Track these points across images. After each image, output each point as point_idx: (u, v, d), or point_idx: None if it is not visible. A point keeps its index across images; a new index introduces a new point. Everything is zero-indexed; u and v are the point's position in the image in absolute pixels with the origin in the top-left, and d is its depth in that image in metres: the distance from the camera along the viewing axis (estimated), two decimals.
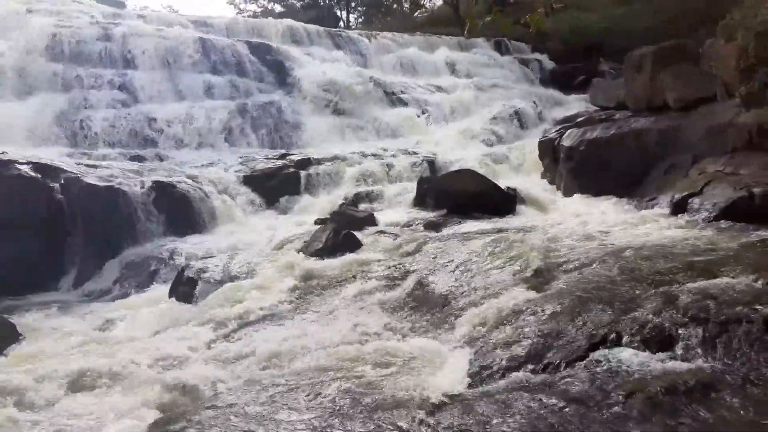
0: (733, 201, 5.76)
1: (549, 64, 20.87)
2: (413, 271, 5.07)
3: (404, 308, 4.34)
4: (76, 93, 11.43)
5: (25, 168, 7.37)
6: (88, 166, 8.61)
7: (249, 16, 33.72)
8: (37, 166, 7.53)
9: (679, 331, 3.06)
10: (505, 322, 3.54)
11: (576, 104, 15.61)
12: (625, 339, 3.15)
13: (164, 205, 8.06)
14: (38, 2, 14.50)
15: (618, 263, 4.13)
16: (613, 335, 3.19)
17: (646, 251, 4.43)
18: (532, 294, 3.87)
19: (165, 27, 13.82)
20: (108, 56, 12.35)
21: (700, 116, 7.89)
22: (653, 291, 3.62)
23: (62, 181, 7.60)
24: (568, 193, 8.70)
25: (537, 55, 21.58)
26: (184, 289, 5.31)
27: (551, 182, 9.51)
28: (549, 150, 9.66)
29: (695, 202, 6.25)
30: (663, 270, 3.93)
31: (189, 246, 7.08)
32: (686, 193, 6.52)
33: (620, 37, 18.22)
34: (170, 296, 5.47)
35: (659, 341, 3.10)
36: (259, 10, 38.58)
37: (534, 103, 15.30)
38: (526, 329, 3.35)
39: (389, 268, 5.30)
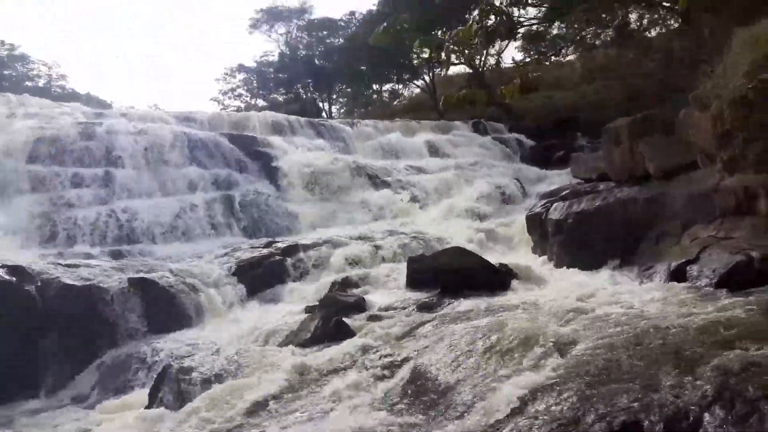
0: (733, 266, 5.62)
1: (528, 142, 21.42)
2: (409, 359, 4.78)
3: (402, 402, 4.01)
4: (57, 193, 11.33)
5: None
6: (67, 266, 8.31)
7: (233, 111, 34.71)
8: (11, 270, 7.24)
9: (704, 414, 2.80)
10: (515, 413, 3.24)
11: (557, 178, 15.84)
12: (646, 425, 2.88)
13: (146, 303, 7.74)
14: (22, 106, 14.75)
15: (626, 339, 3.91)
16: (632, 421, 2.91)
17: (653, 325, 4.21)
18: (541, 379, 3.59)
19: (147, 123, 13.99)
20: (90, 155, 12.38)
21: (683, 183, 7.92)
22: (670, 369, 3.37)
23: (38, 284, 7.30)
24: (561, 267, 8.55)
25: (514, 134, 22.19)
26: (165, 393, 4.94)
27: (542, 255, 9.40)
28: (537, 224, 9.62)
29: (694, 269, 6.11)
30: (676, 345, 3.70)
31: (171, 344, 6.71)
32: (683, 260, 6.39)
33: (592, 113, 18.89)
34: (150, 401, 5.09)
35: (682, 426, 2.83)
36: (242, 105, 39.77)
37: (516, 179, 15.48)
38: (538, 421, 3.06)
39: (383, 356, 5.00)
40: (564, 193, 9.79)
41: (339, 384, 4.47)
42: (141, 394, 5.66)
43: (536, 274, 7.96)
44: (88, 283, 7.59)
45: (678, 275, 6.29)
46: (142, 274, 8.22)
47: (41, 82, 37.03)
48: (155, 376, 5.56)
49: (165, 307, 7.82)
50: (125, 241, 10.79)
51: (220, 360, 5.25)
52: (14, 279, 7.11)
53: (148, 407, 5.06)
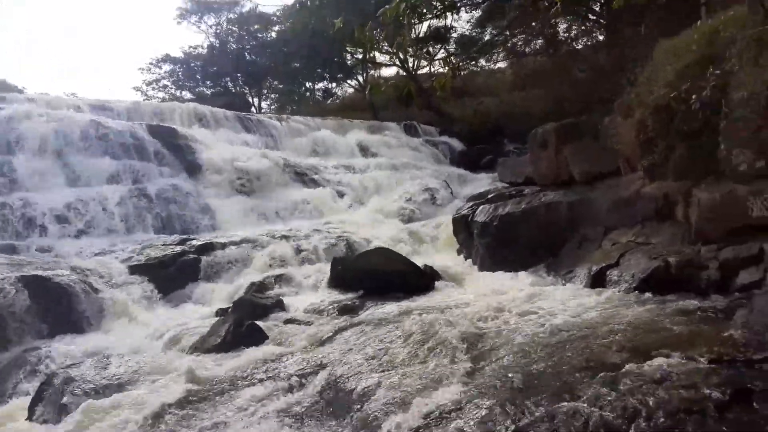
0: (651, 271, 5.64)
1: (458, 146, 21.59)
2: (325, 366, 4.45)
3: (313, 415, 3.69)
4: None
5: None
6: None
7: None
8: None
9: (630, 428, 2.64)
10: (433, 425, 2.98)
11: (484, 182, 15.99)
12: None
13: (40, 303, 7.00)
14: None
15: (546, 345, 3.76)
16: None
17: (572, 330, 4.10)
18: (460, 387, 3.36)
19: (56, 110, 12.94)
20: None
21: (606, 189, 8.01)
22: (589, 377, 3.23)
23: None
24: (484, 269, 8.47)
25: (445, 138, 22.33)
26: (47, 404, 4.37)
27: (467, 258, 9.30)
28: (463, 226, 9.52)
29: (613, 273, 6.11)
30: (595, 351, 3.57)
31: (64, 349, 6.05)
32: (603, 264, 6.40)
33: (519, 120, 19.24)
34: (29, 413, 4.50)
35: None
36: (167, 97, 38.06)
37: (445, 181, 15.48)
38: None
39: (297, 363, 4.65)
40: (490, 196, 9.75)
41: (245, 395, 4.08)
42: (25, 404, 5.02)
43: (460, 276, 7.85)
44: None
45: (598, 279, 6.28)
46: (36, 272, 7.46)
47: None
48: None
49: (61, 309, 7.11)
50: (23, 236, 9.85)
51: (113, 368, 4.73)
52: None
53: (28, 419, 4.47)
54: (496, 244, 8.45)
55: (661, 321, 4.21)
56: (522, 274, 7.56)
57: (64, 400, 4.20)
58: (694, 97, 6.03)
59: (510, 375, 3.44)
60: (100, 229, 10.53)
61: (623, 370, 3.24)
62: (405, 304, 6.28)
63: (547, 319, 4.53)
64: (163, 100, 36.11)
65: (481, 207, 9.14)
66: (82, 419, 3.84)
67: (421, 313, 5.28)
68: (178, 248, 9.14)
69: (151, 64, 38.21)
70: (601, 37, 20.71)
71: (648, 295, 5.33)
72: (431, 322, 4.72)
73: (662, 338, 3.75)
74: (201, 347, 5.58)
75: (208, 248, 9.28)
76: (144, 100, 34.90)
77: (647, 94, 7.21)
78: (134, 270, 8.38)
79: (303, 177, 14.50)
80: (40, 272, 7.47)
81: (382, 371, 3.98)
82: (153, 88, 38.81)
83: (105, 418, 3.82)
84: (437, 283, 7.41)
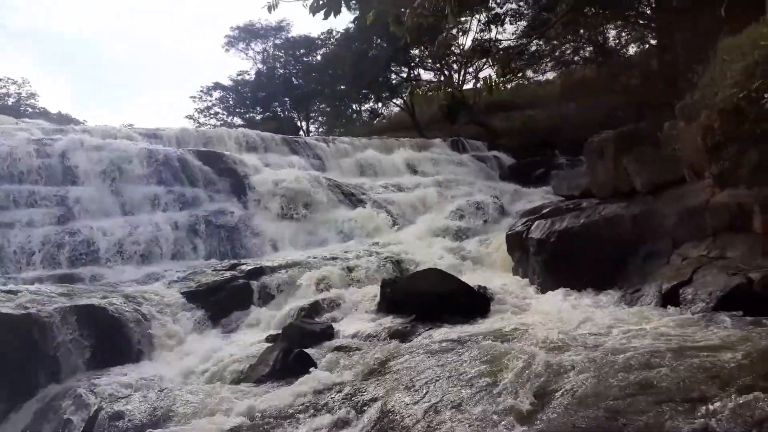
0: (731, 289, 5.15)
1: (507, 160, 21.12)
2: (376, 399, 4.17)
3: None
4: (7, 213, 10.55)
5: None
6: (8, 292, 7.57)
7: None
8: None
9: None
10: None
11: (538, 196, 15.51)
12: None
13: (91, 333, 6.99)
14: None
15: (620, 376, 3.36)
16: None
17: (651, 358, 3.68)
18: (525, 428, 3.02)
19: (110, 140, 13.30)
20: (46, 172, 11.62)
21: (671, 199, 7.49)
22: (675, 414, 2.83)
23: None
24: (543, 289, 8.02)
25: (494, 152, 21.88)
26: None
27: (523, 277, 8.88)
28: (518, 243, 9.11)
29: (687, 291, 5.62)
30: (682, 382, 3.17)
31: (114, 381, 5.98)
32: (675, 282, 5.91)
33: (570, 131, 18.66)
34: None
35: None
36: (218, 123, 39.05)
37: (496, 197, 15.05)
38: None
39: (347, 395, 4.39)
40: (546, 210, 9.31)
41: (293, 431, 3.84)
42: None
43: (517, 298, 7.45)
44: (26, 311, 6.84)
45: (670, 298, 5.80)
46: (89, 301, 7.49)
47: (10, 101, 36.02)
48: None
49: (112, 338, 7.09)
50: (79, 264, 10.04)
51: (161, 401, 4.59)
52: None
53: None
54: (553, 261, 8.01)
55: (753, 347, 3.75)
56: (584, 293, 7.12)
57: None
58: (766, 95, 5.54)
59: (584, 409, 3.08)
60: (152, 255, 10.64)
61: (715, 405, 2.84)
62: (459, 329, 5.95)
63: (619, 344, 4.12)
64: (215, 126, 37.09)
65: (536, 223, 8.72)
66: None
67: (477, 341, 4.95)
68: (228, 273, 9.09)
69: (201, 92, 39.43)
70: (653, 42, 19.99)
71: (729, 314, 4.84)
72: (489, 351, 4.39)
73: (757, 367, 3.30)
74: (250, 377, 5.41)
75: (257, 273, 9.19)
76: (197, 127, 35.96)
77: (712, 95, 6.71)
78: (185, 297, 8.33)
79: (350, 197, 14.38)
80: (92, 302, 7.50)
81: (436, 408, 3.67)
82: (205, 116, 39.99)
83: None
84: (492, 306, 7.04)
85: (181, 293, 8.40)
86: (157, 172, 12.53)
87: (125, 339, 7.14)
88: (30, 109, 35.94)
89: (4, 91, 35.96)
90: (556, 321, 5.55)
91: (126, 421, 4.24)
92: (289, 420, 4.09)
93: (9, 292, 7.61)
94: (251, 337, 7.41)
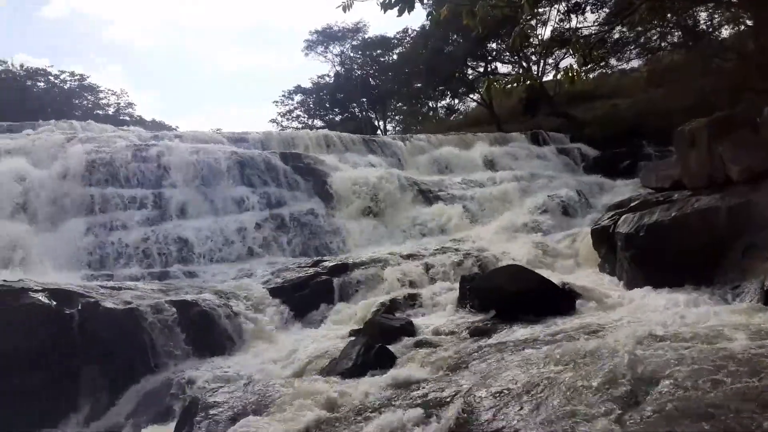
0: None
1: (591, 152, 20.36)
2: (458, 396, 4.16)
3: None
4: (109, 215, 11.40)
5: (39, 296, 6.94)
6: (111, 288, 8.16)
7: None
8: (53, 293, 7.10)
9: None
10: None
11: (625, 189, 14.89)
12: None
13: (186, 326, 7.42)
14: (83, 132, 15.11)
15: (726, 379, 3.15)
16: None
17: (758, 360, 3.44)
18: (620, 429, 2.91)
19: (200, 144, 14.02)
20: (143, 176, 12.45)
21: None
22: None
23: (79, 307, 7.11)
24: (632, 286, 7.67)
25: (577, 144, 21.16)
26: (191, 429, 4.53)
27: (611, 274, 8.53)
28: (604, 239, 8.76)
29: None
30: None
31: (207, 373, 6.32)
32: None
33: (658, 120, 17.71)
34: None
35: None
36: (300, 126, 40.20)
37: (579, 191, 14.56)
38: None
39: (428, 391, 4.42)
40: (634, 204, 8.89)
41: (375, 425, 3.90)
42: (171, 429, 5.27)
43: (604, 295, 7.16)
44: (128, 306, 7.36)
45: None
46: (184, 297, 7.95)
47: (111, 110, 38.75)
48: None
49: (206, 331, 7.49)
50: (174, 262, 10.69)
51: (250, 393, 4.81)
52: (54, 303, 6.95)
53: None
54: (642, 257, 7.65)
55: None
56: (675, 290, 6.75)
57: (205, 427, 4.33)
58: None
59: (680, 420, 2.92)
60: (240, 253, 11.16)
61: None
62: (542, 327, 5.82)
63: (718, 345, 3.88)
64: (297, 129, 38.22)
65: (623, 217, 8.36)
66: None
67: (562, 339, 4.82)
68: (311, 270, 9.37)
69: (283, 96, 40.76)
70: (748, 22, 18.60)
71: None
72: (575, 350, 4.26)
73: None
74: (333, 370, 5.55)
75: (339, 269, 9.42)
76: (280, 130, 37.20)
77: None
78: (272, 293, 8.68)
79: (428, 194, 14.40)
80: (187, 297, 7.95)
81: (521, 407, 3.61)
82: (287, 119, 41.32)
83: None
84: (578, 304, 6.81)
85: (268, 289, 8.75)
86: (244, 174, 13.12)
87: (217, 332, 7.52)
88: (128, 118, 38.57)
89: (105, 101, 38.78)
90: (647, 319, 5.30)
91: (219, 410, 4.48)
92: (370, 414, 4.16)
93: (112, 288, 8.20)
94: (333, 331, 7.60)
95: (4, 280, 7.24)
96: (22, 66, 34.74)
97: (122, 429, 6.19)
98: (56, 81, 35.79)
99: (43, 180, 11.56)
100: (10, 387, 6.20)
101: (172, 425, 5.50)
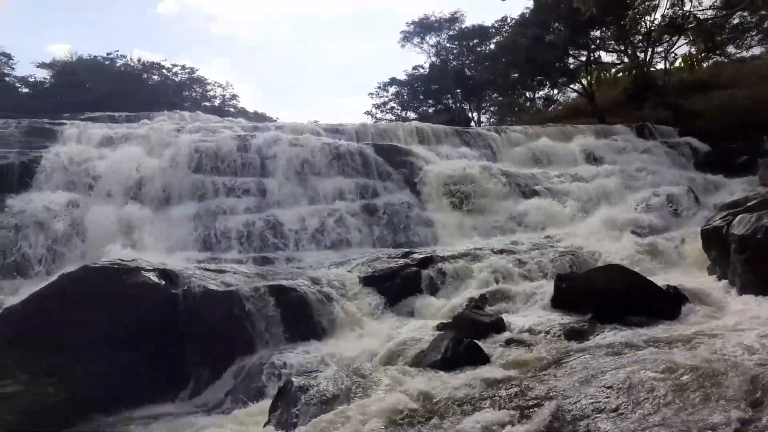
0: None
1: (702, 147, 18.95)
2: (551, 398, 4.03)
3: None
4: (214, 201, 12.05)
5: (150, 275, 7.45)
6: (215, 271, 8.61)
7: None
8: (162, 273, 7.61)
9: None
10: None
11: (739, 186, 13.77)
12: None
13: (282, 310, 7.70)
14: (192, 123, 16.06)
15: None
16: None
17: None
18: None
19: (299, 135, 14.47)
20: (245, 165, 13.05)
21: None
22: None
23: (185, 287, 7.58)
24: (745, 291, 7.09)
25: (687, 138, 19.75)
26: (282, 412, 4.70)
27: (722, 278, 7.92)
28: (716, 240, 8.14)
29: None
30: None
31: (301, 356, 6.55)
32: None
33: None
34: (269, 417, 4.89)
35: None
36: (394, 118, 40.48)
37: (689, 188, 13.61)
38: None
39: (520, 391, 4.30)
40: (751, 203, 8.19)
41: (467, 421, 3.86)
42: (266, 407, 5.50)
43: (715, 300, 6.68)
44: (229, 288, 7.74)
45: None
46: (281, 282, 8.25)
47: (216, 102, 40.90)
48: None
49: (300, 316, 7.74)
50: (273, 248, 11.13)
51: (342, 378, 4.90)
52: (162, 282, 7.45)
53: (265, 424, 4.86)
54: (761, 261, 7.03)
55: None
56: None
57: (297, 409, 4.47)
58: None
59: None
60: (335, 242, 11.45)
61: None
62: (644, 331, 5.51)
63: None
64: (390, 121, 38.54)
65: (739, 217, 7.72)
66: (316, 428, 4.02)
67: (665, 345, 4.53)
68: (402, 261, 9.42)
69: (378, 88, 41.21)
70: None
71: None
72: (680, 356, 3.99)
73: None
74: (422, 362, 5.55)
75: (428, 262, 9.39)
76: (374, 122, 37.67)
77: None
78: (364, 281, 8.82)
79: (523, 188, 14.02)
80: (283, 282, 8.25)
81: (620, 415, 3.44)
82: (381, 111, 41.74)
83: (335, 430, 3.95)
84: (684, 308, 6.40)
85: (360, 278, 8.90)
86: (340, 165, 13.44)
87: (311, 317, 7.75)
88: (232, 109, 40.53)
89: (212, 93, 40.96)
90: (762, 327, 4.87)
91: (312, 392, 4.60)
92: (458, 408, 4.12)
93: (216, 270, 8.66)
94: (422, 323, 7.59)
95: (120, 259, 7.81)
96: (139, 60, 37.46)
97: (221, 405, 6.55)
98: (169, 74, 38.23)
99: (155, 167, 12.40)
100: (121, 361, 6.67)
101: (267, 404, 5.76)
